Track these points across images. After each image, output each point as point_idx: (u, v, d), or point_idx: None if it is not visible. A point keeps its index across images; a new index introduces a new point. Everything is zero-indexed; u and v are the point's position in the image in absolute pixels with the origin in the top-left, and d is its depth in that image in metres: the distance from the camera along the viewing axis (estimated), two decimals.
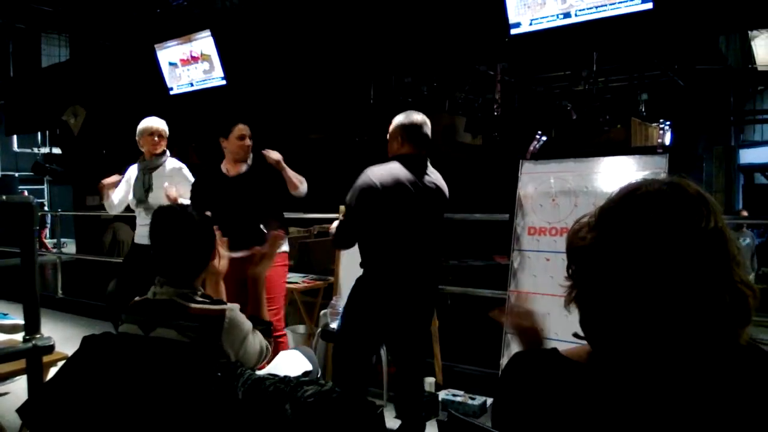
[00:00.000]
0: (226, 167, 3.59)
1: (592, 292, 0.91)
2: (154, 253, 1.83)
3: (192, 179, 3.89)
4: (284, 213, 3.71)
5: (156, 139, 3.92)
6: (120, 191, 4.05)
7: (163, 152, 3.98)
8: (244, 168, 3.57)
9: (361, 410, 1.61)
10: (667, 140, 3.60)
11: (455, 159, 8.46)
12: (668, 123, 3.73)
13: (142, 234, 3.94)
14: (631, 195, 0.90)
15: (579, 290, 0.94)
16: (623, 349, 0.87)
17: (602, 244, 0.89)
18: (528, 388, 0.95)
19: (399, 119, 2.80)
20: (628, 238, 0.86)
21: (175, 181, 3.83)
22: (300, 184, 3.54)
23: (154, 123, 3.96)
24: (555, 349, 0.98)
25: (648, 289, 0.84)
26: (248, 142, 3.53)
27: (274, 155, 3.48)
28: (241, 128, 3.51)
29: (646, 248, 0.84)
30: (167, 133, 4.01)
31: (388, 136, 2.83)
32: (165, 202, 3.74)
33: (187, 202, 3.63)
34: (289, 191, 3.53)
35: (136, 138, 3.96)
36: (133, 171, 4.03)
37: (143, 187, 3.89)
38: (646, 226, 0.85)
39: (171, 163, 3.96)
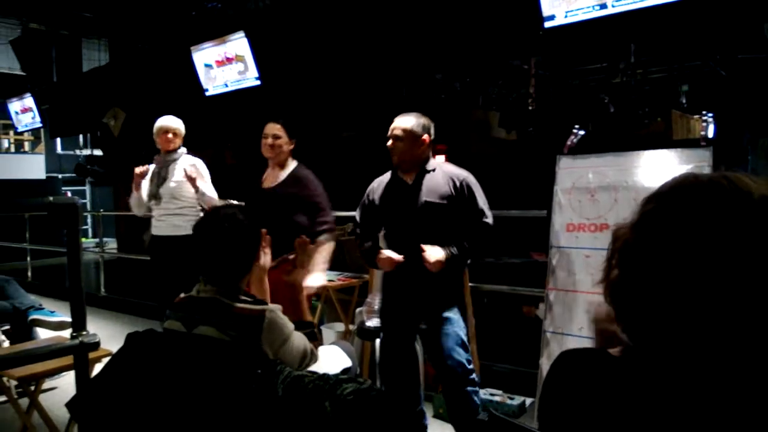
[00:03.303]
0: (268, 170, 3.57)
1: (640, 287, 0.88)
2: (197, 254, 1.85)
3: (207, 174, 4.04)
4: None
5: (170, 136, 4.05)
6: (143, 190, 4.16)
7: (178, 149, 4.11)
8: (277, 181, 3.50)
9: (401, 409, 1.61)
10: (711, 133, 3.50)
11: (489, 155, 8.40)
12: (711, 115, 3.64)
13: (156, 225, 4.09)
14: (683, 191, 0.88)
15: (621, 283, 0.92)
16: (669, 346, 0.85)
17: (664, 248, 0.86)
18: (576, 389, 0.93)
19: (418, 119, 2.96)
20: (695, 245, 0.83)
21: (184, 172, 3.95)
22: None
23: (168, 121, 4.09)
24: (603, 349, 0.96)
25: (705, 288, 0.81)
26: (270, 141, 3.41)
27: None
28: (267, 127, 3.44)
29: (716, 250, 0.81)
30: (182, 131, 4.12)
31: (424, 138, 2.93)
32: (176, 192, 3.95)
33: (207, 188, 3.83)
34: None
35: (154, 136, 4.09)
36: (151, 170, 4.16)
37: (157, 181, 4.03)
38: (702, 224, 0.83)
39: (186, 159, 4.09)
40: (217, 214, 1.86)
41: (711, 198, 0.84)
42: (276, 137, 3.41)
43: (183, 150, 4.13)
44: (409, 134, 2.91)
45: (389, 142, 2.96)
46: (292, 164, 3.51)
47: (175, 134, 4.07)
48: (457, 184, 2.88)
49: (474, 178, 2.94)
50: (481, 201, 2.91)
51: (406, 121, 2.94)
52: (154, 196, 4.04)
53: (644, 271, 0.87)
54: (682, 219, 0.84)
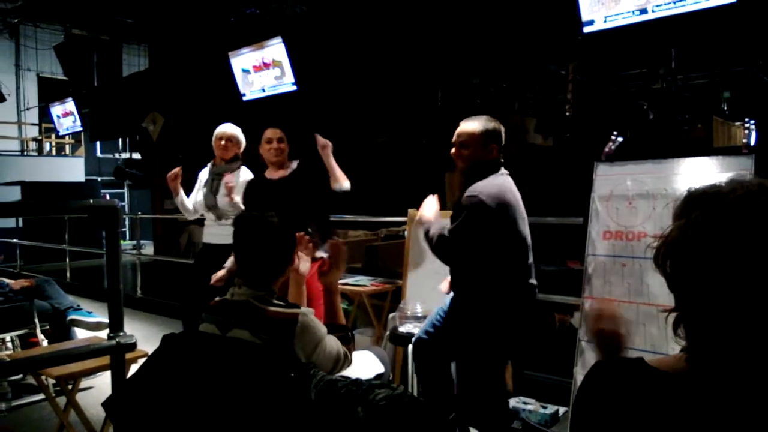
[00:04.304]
0: (269, 174, 3.59)
1: (700, 302, 0.86)
2: (235, 255, 1.88)
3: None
4: (330, 216, 3.70)
5: (223, 143, 3.94)
6: (193, 195, 4.09)
7: (236, 159, 3.99)
8: (286, 173, 3.56)
9: (433, 416, 1.59)
10: (752, 140, 3.42)
11: (525, 161, 8.32)
12: (753, 122, 3.54)
13: (210, 233, 3.99)
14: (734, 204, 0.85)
15: (681, 297, 0.89)
16: (733, 361, 0.83)
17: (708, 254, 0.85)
18: (614, 400, 0.91)
19: (487, 123, 2.73)
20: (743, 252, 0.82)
21: (240, 191, 3.81)
22: (343, 180, 3.45)
23: (224, 128, 3.99)
24: (641, 359, 0.93)
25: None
26: (275, 145, 3.50)
27: (324, 140, 3.46)
28: (269, 132, 3.53)
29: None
30: (238, 138, 4.01)
31: (465, 139, 2.71)
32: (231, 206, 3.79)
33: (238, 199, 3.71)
34: (331, 186, 3.42)
35: (212, 144, 4.05)
36: (204, 174, 4.07)
37: (212, 192, 3.92)
38: (753, 235, 0.81)
39: (243, 173, 3.94)
40: (254, 217, 1.90)
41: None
42: (281, 141, 3.52)
43: (239, 164, 3.99)
44: (474, 139, 2.69)
45: (453, 150, 2.74)
46: (294, 162, 3.61)
47: (229, 141, 3.95)
48: (462, 201, 2.63)
49: (476, 201, 2.55)
50: (459, 223, 2.57)
51: (473, 126, 2.71)
52: (211, 207, 3.94)
53: (709, 278, 0.85)
54: (745, 225, 0.82)
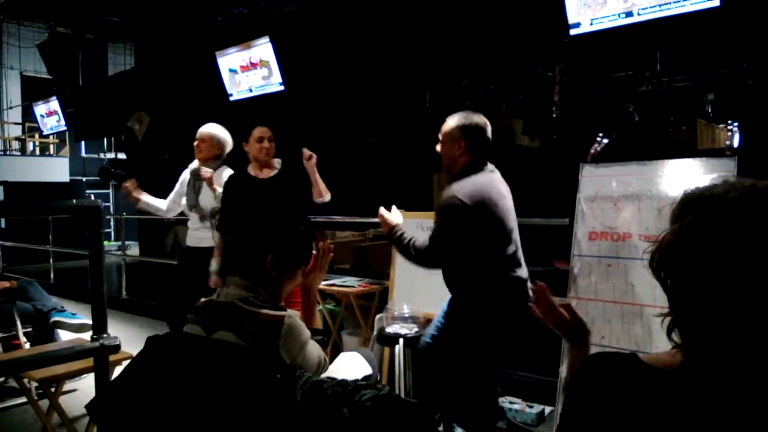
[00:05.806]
0: (253, 171, 3.60)
1: (694, 302, 0.87)
2: (225, 244, 1.89)
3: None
4: (310, 218, 3.71)
5: (196, 143, 3.91)
6: (172, 194, 4.07)
7: (216, 158, 3.92)
8: (273, 172, 3.58)
9: (419, 415, 1.59)
10: (736, 142, 3.46)
11: (513, 162, 8.36)
12: (736, 124, 3.59)
13: (194, 237, 3.95)
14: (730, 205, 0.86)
15: (676, 301, 0.90)
16: (728, 362, 0.83)
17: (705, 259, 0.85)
18: (606, 395, 0.90)
19: (459, 120, 2.74)
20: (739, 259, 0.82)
21: (220, 184, 3.78)
22: (325, 193, 3.55)
23: (201, 129, 3.94)
24: (635, 355, 0.94)
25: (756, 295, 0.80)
26: (266, 144, 3.54)
27: (309, 152, 3.51)
28: (260, 130, 3.54)
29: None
30: (216, 139, 3.92)
31: (441, 137, 2.77)
32: (214, 206, 3.75)
33: (219, 190, 3.69)
34: (313, 197, 3.52)
35: None
36: (186, 174, 4.04)
37: (194, 192, 3.89)
38: (749, 237, 0.82)
39: (225, 172, 3.88)
40: (258, 210, 1.87)
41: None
42: (270, 140, 3.57)
43: (220, 161, 3.93)
44: (446, 137, 2.75)
45: (437, 146, 2.82)
46: (277, 161, 3.63)
47: (202, 141, 3.89)
48: (438, 205, 2.68)
49: (448, 203, 2.59)
50: (435, 227, 2.64)
51: (447, 123, 2.76)
52: (194, 207, 3.90)
53: (707, 280, 0.85)
54: (743, 227, 0.83)
